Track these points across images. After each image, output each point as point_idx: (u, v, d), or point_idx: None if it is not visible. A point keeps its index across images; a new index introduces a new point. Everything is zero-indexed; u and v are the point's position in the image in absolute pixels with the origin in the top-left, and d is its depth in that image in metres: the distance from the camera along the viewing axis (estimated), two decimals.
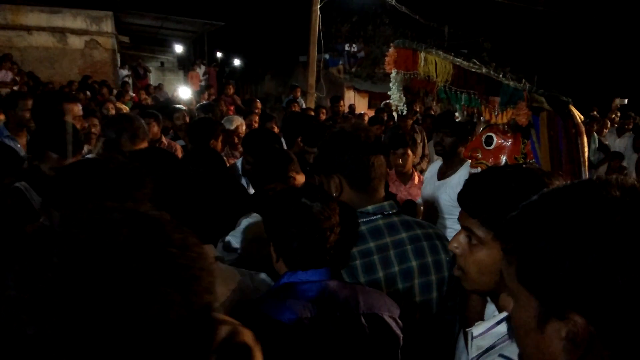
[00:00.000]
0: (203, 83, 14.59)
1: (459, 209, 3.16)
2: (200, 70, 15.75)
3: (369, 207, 1.62)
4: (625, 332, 0.55)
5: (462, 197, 1.21)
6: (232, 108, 7.79)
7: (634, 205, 0.56)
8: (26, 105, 3.55)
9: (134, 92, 11.23)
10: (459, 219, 1.25)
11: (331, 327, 1.26)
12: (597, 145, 7.19)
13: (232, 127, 4.38)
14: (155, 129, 4.29)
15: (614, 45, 16.36)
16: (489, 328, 1.04)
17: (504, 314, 1.02)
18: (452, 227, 2.95)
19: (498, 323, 1.03)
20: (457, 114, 2.27)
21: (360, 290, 1.36)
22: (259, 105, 6.98)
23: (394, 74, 2.47)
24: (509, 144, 2.28)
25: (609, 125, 7.66)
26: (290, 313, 1.22)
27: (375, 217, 1.61)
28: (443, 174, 3.05)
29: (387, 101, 8.47)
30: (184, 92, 12.07)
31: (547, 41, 17.45)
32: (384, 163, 1.69)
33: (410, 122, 6.12)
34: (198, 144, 3.55)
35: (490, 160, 2.39)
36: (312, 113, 6.29)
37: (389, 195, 2.17)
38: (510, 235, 0.66)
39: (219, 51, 21.86)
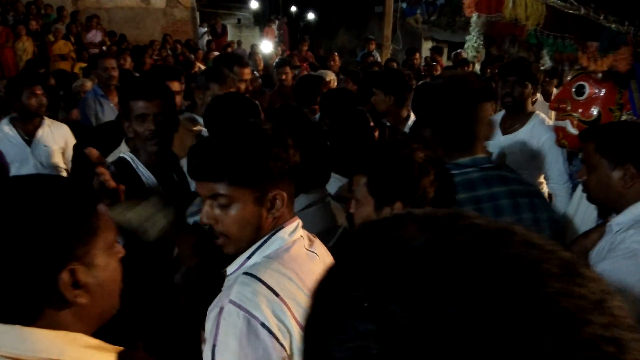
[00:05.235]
0: (277, 39, 14.58)
1: (532, 162, 2.93)
2: (275, 25, 15.73)
3: (465, 159, 1.57)
4: None
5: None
6: (304, 65, 7.75)
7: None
8: (104, 64, 3.67)
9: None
10: None
11: None
12: None
13: (326, 80, 4.26)
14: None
15: None
16: (241, 264, 1.15)
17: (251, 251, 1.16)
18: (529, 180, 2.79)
19: (249, 257, 1.15)
20: (542, 61, 2.09)
21: None
22: (337, 59, 6.83)
23: (474, 17, 2.31)
24: (602, 94, 2.09)
25: None
26: None
27: (469, 169, 1.55)
28: (507, 128, 2.75)
29: (459, 50, 7.88)
30: (266, 47, 12.14)
31: None
32: (485, 116, 1.61)
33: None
34: (304, 103, 3.42)
35: (580, 111, 2.21)
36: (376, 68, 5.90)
37: None
38: None
39: (293, 5, 21.65)
